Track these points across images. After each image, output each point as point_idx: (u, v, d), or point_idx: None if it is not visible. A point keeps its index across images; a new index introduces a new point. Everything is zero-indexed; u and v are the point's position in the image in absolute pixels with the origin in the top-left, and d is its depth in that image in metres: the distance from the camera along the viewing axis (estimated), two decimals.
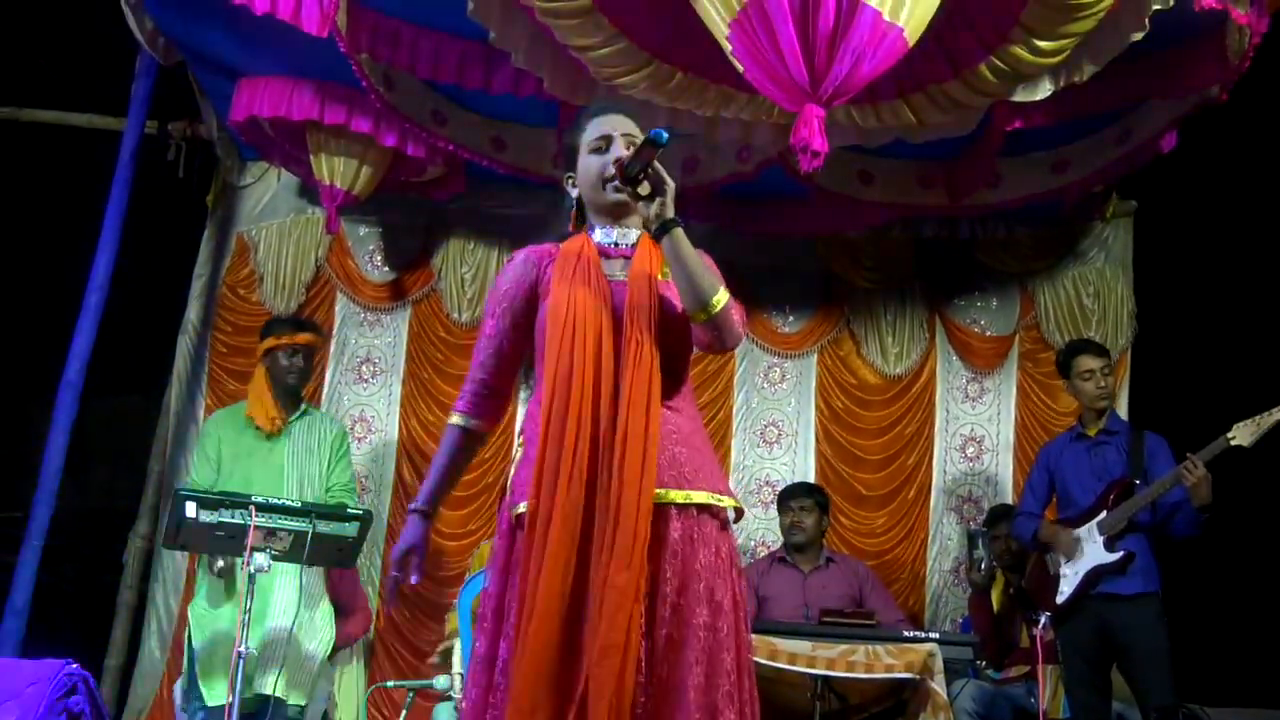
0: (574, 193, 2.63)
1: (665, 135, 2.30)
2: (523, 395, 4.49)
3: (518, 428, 5.18)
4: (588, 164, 2.54)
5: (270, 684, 4.12)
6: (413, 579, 2.53)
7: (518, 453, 2.56)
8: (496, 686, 2.31)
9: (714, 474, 2.48)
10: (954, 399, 5.97)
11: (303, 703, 4.29)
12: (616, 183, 2.45)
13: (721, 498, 2.43)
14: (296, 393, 4.66)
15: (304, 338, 4.63)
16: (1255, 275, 5.50)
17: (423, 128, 4.87)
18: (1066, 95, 4.38)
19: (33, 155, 5.52)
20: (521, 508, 2.38)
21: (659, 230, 2.39)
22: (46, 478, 4.71)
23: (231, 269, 5.75)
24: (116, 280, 4.95)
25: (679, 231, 2.38)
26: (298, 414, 4.63)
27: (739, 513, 2.52)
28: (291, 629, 4.13)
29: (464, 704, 2.45)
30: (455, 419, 2.61)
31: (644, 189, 2.40)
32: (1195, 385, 5.33)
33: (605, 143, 2.53)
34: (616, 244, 2.55)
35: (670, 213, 2.39)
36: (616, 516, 2.27)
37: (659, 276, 2.48)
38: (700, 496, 2.39)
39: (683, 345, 2.50)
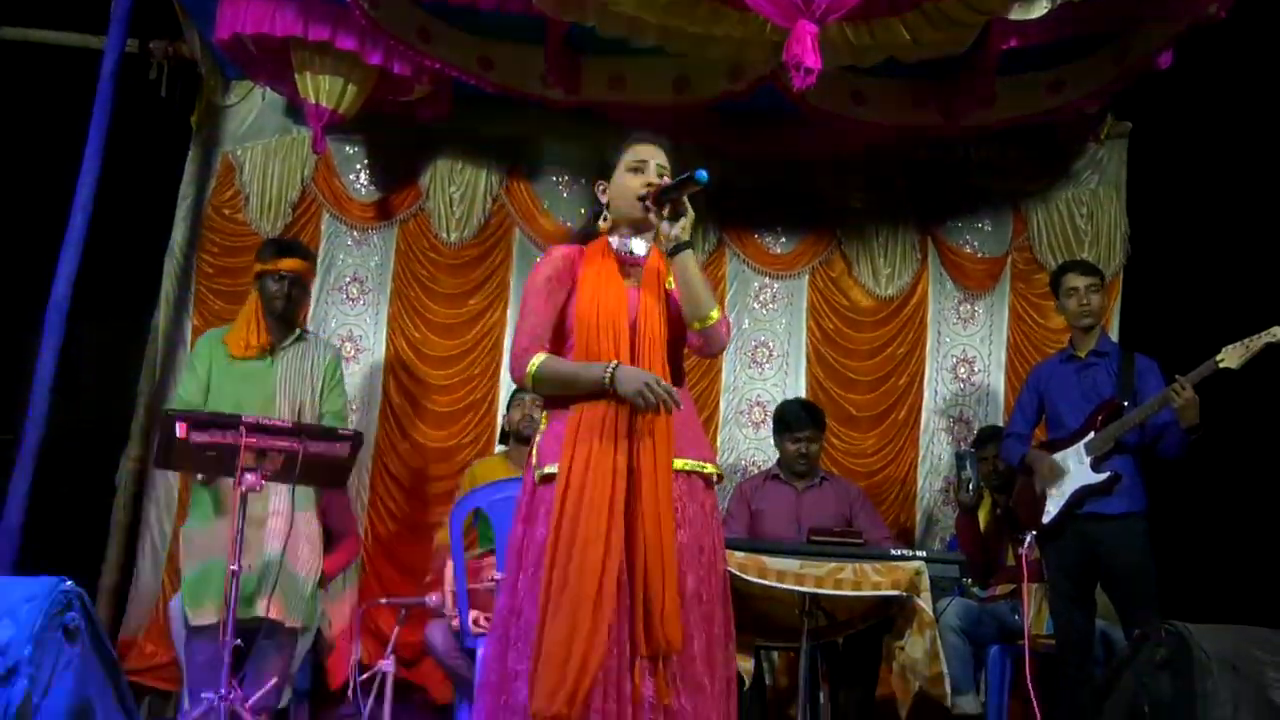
0: (604, 199, 3.05)
1: (705, 176, 2.75)
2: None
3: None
4: (624, 180, 2.98)
5: (262, 607, 4.14)
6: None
7: (543, 424, 2.93)
8: (519, 613, 2.72)
9: (703, 444, 2.98)
10: (946, 320, 5.97)
11: (296, 625, 4.32)
12: (649, 201, 2.89)
13: (706, 464, 2.93)
14: (289, 317, 4.63)
15: (287, 264, 4.56)
16: (1249, 197, 5.47)
17: (409, 46, 4.78)
18: (1064, 13, 4.32)
19: (10, 75, 5.42)
20: (549, 469, 2.79)
21: (674, 249, 2.87)
22: (37, 400, 4.70)
23: (217, 190, 5.70)
24: (101, 203, 4.89)
25: (690, 254, 2.88)
26: (292, 338, 4.60)
27: (720, 476, 3.01)
28: (283, 554, 4.15)
29: (489, 630, 2.88)
30: (538, 356, 2.90)
31: (668, 212, 2.86)
32: (1188, 308, 5.32)
33: (643, 165, 2.98)
34: (632, 252, 3.01)
35: (686, 236, 2.87)
36: (643, 482, 2.74)
37: (666, 286, 2.97)
38: (692, 464, 2.89)
39: (681, 343, 3.00)
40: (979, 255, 5.98)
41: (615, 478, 2.72)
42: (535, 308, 2.95)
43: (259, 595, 4.16)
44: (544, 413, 2.97)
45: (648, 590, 2.68)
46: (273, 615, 4.21)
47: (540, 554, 2.71)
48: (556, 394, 2.90)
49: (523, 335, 2.93)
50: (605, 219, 3.03)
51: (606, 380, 2.76)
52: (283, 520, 4.25)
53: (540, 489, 2.81)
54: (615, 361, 2.80)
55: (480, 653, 2.88)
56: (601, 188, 3.05)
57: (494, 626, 2.83)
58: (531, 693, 2.60)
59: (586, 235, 3.07)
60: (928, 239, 6.00)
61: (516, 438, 4.95)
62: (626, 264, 2.99)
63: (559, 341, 2.97)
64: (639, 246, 3.02)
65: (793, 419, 5.11)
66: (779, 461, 5.18)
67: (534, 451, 2.89)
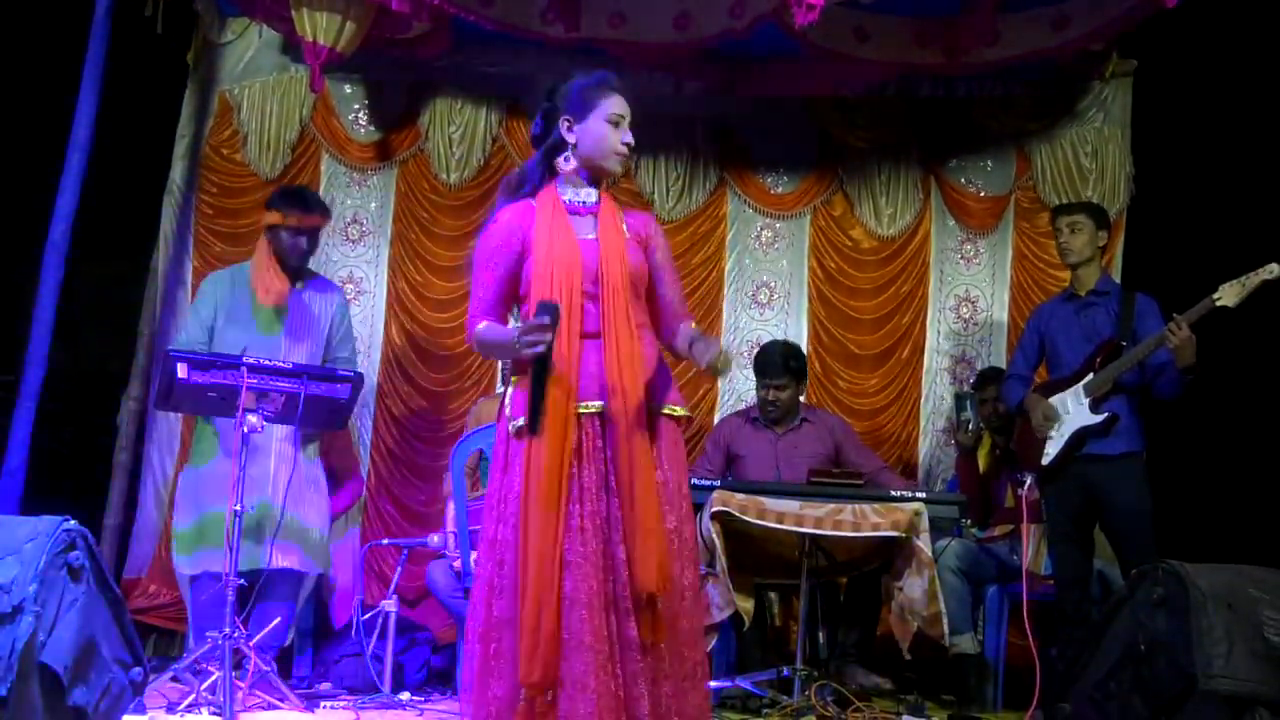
0: (570, 138, 2.94)
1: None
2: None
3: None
4: (601, 129, 2.92)
5: (265, 557, 4.14)
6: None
7: (513, 377, 2.92)
8: (500, 563, 2.78)
9: (672, 389, 2.99)
10: (948, 260, 5.95)
11: (299, 570, 4.34)
12: (624, 158, 2.95)
13: (676, 408, 2.95)
14: (302, 268, 4.61)
15: (310, 220, 4.52)
16: (1254, 136, 5.42)
17: None
18: None
19: (4, 13, 5.35)
20: (520, 421, 2.80)
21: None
22: (37, 340, 4.70)
23: (215, 129, 5.65)
24: (99, 142, 4.85)
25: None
26: (300, 285, 4.58)
27: (690, 419, 3.11)
28: (284, 502, 4.14)
29: (475, 573, 2.93)
30: (481, 325, 2.95)
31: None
32: (1193, 247, 5.29)
33: (621, 121, 2.94)
34: (584, 202, 2.96)
35: (727, 366, 2.90)
36: (623, 424, 2.78)
37: (623, 231, 2.96)
38: (665, 409, 2.92)
39: (639, 292, 2.96)
40: (982, 194, 5.94)
41: (568, 426, 2.76)
42: (484, 280, 2.95)
43: (260, 544, 4.15)
44: (509, 365, 3.00)
45: (627, 534, 2.74)
46: (283, 564, 4.22)
47: (517, 505, 2.76)
48: (499, 358, 2.94)
49: (471, 304, 2.97)
50: (568, 160, 2.95)
51: (515, 345, 2.74)
52: (286, 467, 4.25)
53: (513, 441, 2.84)
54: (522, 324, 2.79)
55: (471, 599, 2.92)
56: (567, 124, 2.95)
57: (477, 575, 2.88)
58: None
59: (531, 179, 3.00)
60: (930, 178, 5.95)
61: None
62: (580, 215, 2.96)
63: (512, 304, 3.00)
64: (590, 195, 2.98)
65: (768, 365, 5.06)
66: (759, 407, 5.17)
67: (506, 404, 2.91)
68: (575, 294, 2.84)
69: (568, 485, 2.74)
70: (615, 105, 2.94)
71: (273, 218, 4.50)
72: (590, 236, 2.93)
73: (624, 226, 2.98)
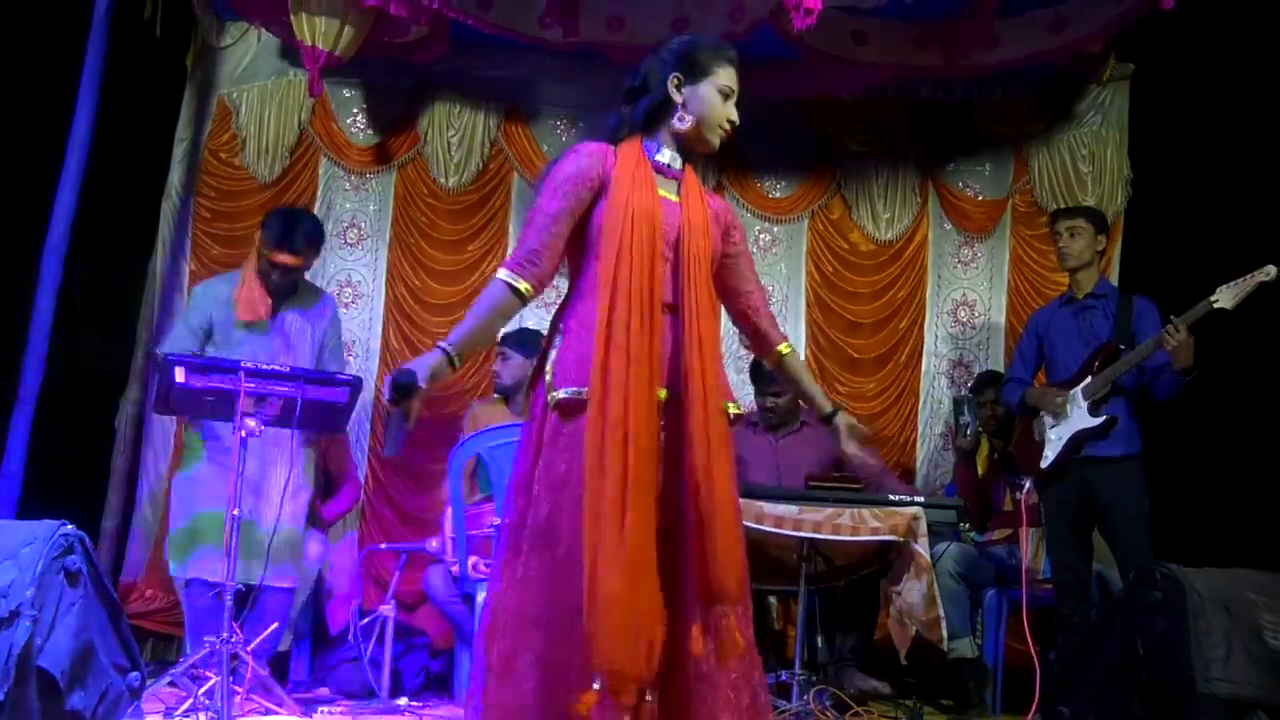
0: (679, 97, 2.70)
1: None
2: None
3: None
4: (714, 98, 2.70)
5: (256, 573, 4.08)
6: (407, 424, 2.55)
7: (557, 339, 2.63)
8: (523, 551, 2.47)
9: (726, 382, 2.78)
10: (946, 263, 5.96)
11: (287, 585, 4.32)
12: (725, 133, 2.73)
13: (730, 404, 2.70)
14: (288, 293, 4.53)
15: (290, 261, 4.36)
16: (1250, 140, 5.43)
17: None
18: None
19: (2, 15, 5.35)
20: (563, 393, 2.51)
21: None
22: (35, 343, 4.69)
23: (213, 133, 5.65)
24: (98, 146, 4.84)
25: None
26: (293, 298, 4.55)
27: (740, 416, 2.78)
28: (277, 520, 4.12)
29: (492, 564, 2.71)
30: (503, 274, 2.62)
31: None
32: (1190, 249, 5.30)
33: (731, 95, 2.72)
34: (670, 165, 2.72)
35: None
36: (702, 409, 2.51)
37: (706, 205, 2.73)
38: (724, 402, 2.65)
39: (716, 266, 2.74)
40: (979, 198, 5.95)
41: (656, 409, 2.47)
42: (547, 209, 2.61)
43: (249, 559, 4.08)
44: (559, 327, 2.65)
45: (704, 534, 2.43)
46: (277, 583, 4.20)
47: (569, 488, 2.44)
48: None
49: (526, 234, 2.64)
50: (683, 120, 2.69)
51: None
52: (277, 472, 4.22)
53: (556, 417, 2.51)
54: (451, 349, 2.55)
55: (485, 597, 2.64)
56: (676, 81, 2.68)
57: (504, 571, 2.53)
58: (598, 649, 2.32)
59: (626, 127, 2.72)
60: (928, 182, 5.97)
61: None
62: (666, 176, 2.71)
63: (572, 244, 2.66)
64: (676, 160, 2.74)
65: (763, 373, 5.05)
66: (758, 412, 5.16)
67: (546, 372, 2.59)
68: (655, 255, 2.56)
69: (651, 476, 2.44)
70: (730, 77, 2.72)
71: (262, 249, 4.38)
72: (674, 199, 2.69)
73: (706, 201, 2.75)
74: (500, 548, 2.60)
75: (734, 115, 2.73)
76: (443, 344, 2.59)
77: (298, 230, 4.40)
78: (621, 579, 2.33)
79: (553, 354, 2.61)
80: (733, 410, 2.70)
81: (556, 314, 2.71)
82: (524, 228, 2.67)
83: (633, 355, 2.46)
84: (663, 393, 2.53)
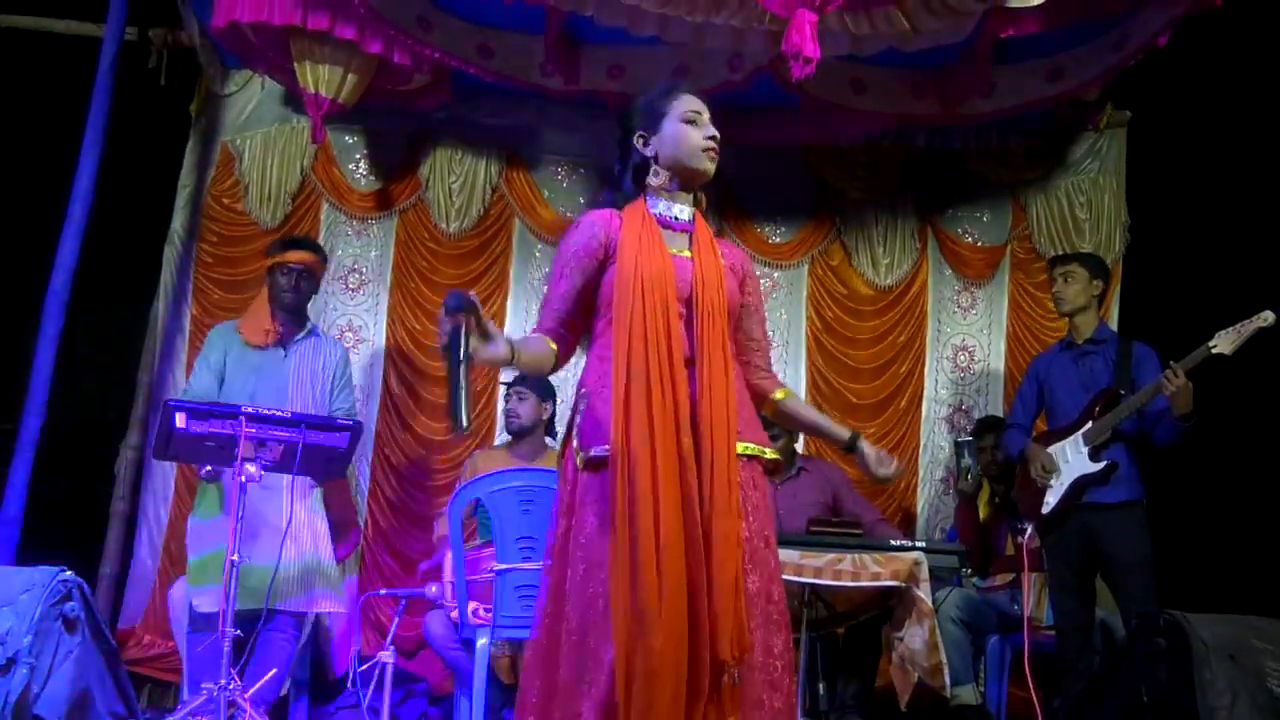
0: (647, 151, 2.73)
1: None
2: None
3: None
4: (681, 130, 2.70)
5: (266, 598, 4.11)
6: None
7: (580, 403, 2.65)
8: (566, 617, 2.47)
9: (759, 428, 2.73)
10: (945, 309, 5.97)
11: (300, 611, 4.32)
12: (712, 153, 2.70)
13: (765, 449, 2.69)
14: (298, 311, 4.65)
15: (295, 255, 4.62)
16: (1247, 185, 5.46)
17: (408, 35, 4.77)
18: (1061, 1, 4.31)
19: (10, 63, 5.40)
20: (591, 452, 2.54)
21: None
22: (36, 389, 4.70)
23: (216, 179, 5.69)
24: (101, 192, 4.88)
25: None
26: (303, 333, 4.63)
27: (778, 464, 2.78)
28: (282, 544, 4.13)
29: (532, 632, 2.60)
30: (538, 333, 2.67)
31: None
32: (1189, 295, 5.32)
33: (698, 118, 2.72)
34: (676, 218, 2.71)
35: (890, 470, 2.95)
36: (711, 467, 2.48)
37: (719, 255, 2.72)
38: (752, 449, 2.65)
39: (733, 322, 2.73)
40: (978, 244, 5.98)
41: (681, 463, 2.45)
42: (556, 290, 2.67)
43: (271, 590, 4.10)
44: (582, 390, 2.67)
45: (714, 591, 2.40)
46: (276, 606, 4.20)
47: (597, 545, 2.46)
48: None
49: (543, 313, 2.69)
50: (655, 174, 2.71)
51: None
52: (298, 526, 4.27)
53: (585, 475, 2.54)
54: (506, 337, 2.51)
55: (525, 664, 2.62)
56: (642, 139, 2.72)
57: (545, 632, 2.54)
58: (634, 710, 2.32)
59: (622, 197, 2.75)
60: (927, 228, 6.00)
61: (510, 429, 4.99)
62: (673, 229, 2.70)
63: (589, 316, 2.69)
64: (683, 212, 2.73)
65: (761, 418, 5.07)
66: None
67: (574, 435, 2.62)
68: (670, 313, 2.56)
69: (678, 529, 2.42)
70: (688, 103, 2.72)
71: (268, 260, 4.69)
72: (685, 254, 2.68)
73: (719, 253, 2.74)
74: (540, 605, 2.60)
75: (711, 132, 2.72)
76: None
77: (303, 237, 4.86)
78: (654, 635, 2.34)
79: (578, 418, 2.64)
80: (769, 455, 2.69)
81: (581, 379, 2.72)
82: (541, 306, 2.74)
83: (654, 411, 2.47)
84: (689, 445, 2.51)
